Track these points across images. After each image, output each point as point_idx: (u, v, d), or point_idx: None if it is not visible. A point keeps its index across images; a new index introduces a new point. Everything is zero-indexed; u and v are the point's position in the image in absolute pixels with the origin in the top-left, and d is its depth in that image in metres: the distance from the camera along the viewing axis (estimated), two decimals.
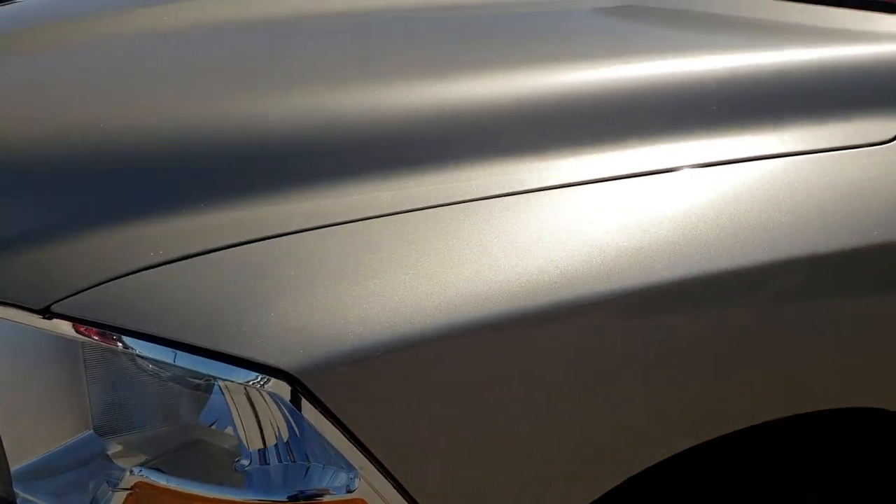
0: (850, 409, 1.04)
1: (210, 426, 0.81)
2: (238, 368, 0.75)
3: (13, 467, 0.85)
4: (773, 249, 0.92)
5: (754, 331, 0.94)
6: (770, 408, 0.98)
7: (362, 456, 0.76)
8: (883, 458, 1.18)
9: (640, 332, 0.89)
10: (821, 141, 1.02)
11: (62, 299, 0.79)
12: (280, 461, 0.79)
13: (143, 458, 0.83)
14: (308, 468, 0.78)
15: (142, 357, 0.80)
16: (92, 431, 0.85)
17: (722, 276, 0.89)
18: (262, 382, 0.75)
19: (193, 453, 0.83)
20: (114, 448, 0.85)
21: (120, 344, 0.79)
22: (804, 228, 0.95)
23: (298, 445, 0.78)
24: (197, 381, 0.80)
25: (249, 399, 0.77)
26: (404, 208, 0.87)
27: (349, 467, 0.77)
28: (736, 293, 0.91)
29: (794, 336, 0.96)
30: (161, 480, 0.80)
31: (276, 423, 0.77)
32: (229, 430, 0.80)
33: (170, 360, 0.78)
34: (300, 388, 0.74)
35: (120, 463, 0.84)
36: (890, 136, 1.05)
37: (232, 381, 0.76)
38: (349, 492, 0.78)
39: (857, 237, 0.97)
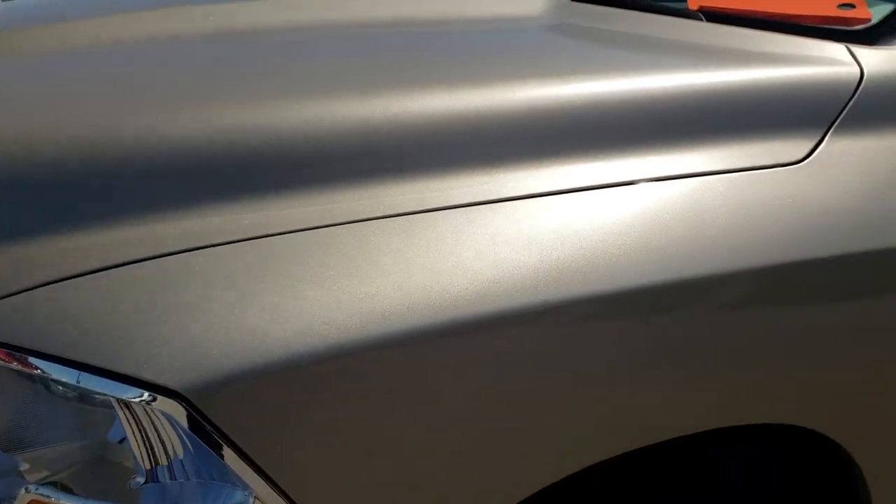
0: (773, 426, 1.06)
1: (109, 444, 0.81)
2: (131, 387, 0.75)
3: None
4: (675, 269, 0.93)
5: (662, 349, 0.95)
6: (684, 423, 1.00)
7: (255, 475, 0.77)
8: (808, 475, 1.21)
9: (551, 348, 0.90)
10: (731, 161, 1.04)
11: None
12: (175, 479, 0.79)
13: (45, 475, 0.83)
14: (202, 487, 0.79)
15: (38, 374, 0.80)
16: None
17: (621, 295, 0.90)
18: (154, 401, 0.75)
19: (93, 471, 0.83)
20: (18, 464, 0.84)
21: (19, 361, 0.79)
22: (710, 249, 0.96)
23: (192, 464, 0.78)
24: (94, 399, 0.80)
25: (144, 418, 0.77)
26: (309, 225, 0.87)
27: (243, 486, 0.78)
28: (637, 312, 0.92)
29: (703, 354, 0.97)
30: (54, 497, 0.80)
31: (170, 442, 0.77)
32: (126, 448, 0.80)
33: (66, 379, 0.78)
34: (191, 407, 0.75)
35: (25, 479, 0.83)
36: (800, 156, 1.07)
37: (126, 400, 0.76)
38: None
39: (762, 257, 0.98)
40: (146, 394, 0.74)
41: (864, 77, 1.14)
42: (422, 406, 0.83)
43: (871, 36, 1.26)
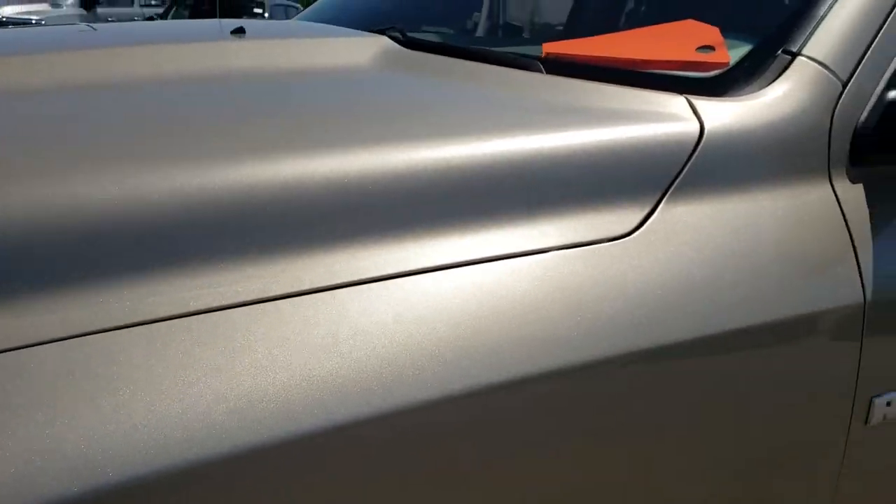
0: None
1: None
2: None
3: None
4: (472, 375, 0.80)
5: (465, 462, 0.82)
6: None
7: None
8: None
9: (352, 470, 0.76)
10: (549, 238, 0.91)
11: None
12: None
13: None
14: None
15: None
16: None
17: (396, 413, 0.76)
18: None
19: None
20: None
21: None
22: (514, 347, 0.83)
23: None
24: None
25: None
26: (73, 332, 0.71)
27: None
28: (421, 429, 0.79)
29: (508, 466, 0.84)
30: None
31: None
32: None
33: None
34: None
35: None
36: (628, 228, 0.94)
37: None
38: None
39: (573, 354, 0.85)
40: None
41: (705, 134, 1.02)
42: None
43: (719, 85, 1.15)
